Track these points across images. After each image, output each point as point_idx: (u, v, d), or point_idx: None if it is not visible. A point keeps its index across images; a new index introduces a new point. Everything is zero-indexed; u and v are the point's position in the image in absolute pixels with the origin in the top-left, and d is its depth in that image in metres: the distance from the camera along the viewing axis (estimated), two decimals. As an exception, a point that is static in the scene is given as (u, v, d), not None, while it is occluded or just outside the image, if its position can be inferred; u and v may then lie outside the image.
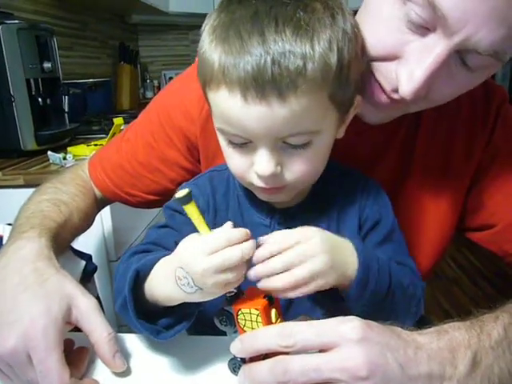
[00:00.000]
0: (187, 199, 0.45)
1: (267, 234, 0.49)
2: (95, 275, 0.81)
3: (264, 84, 0.45)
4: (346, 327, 0.43)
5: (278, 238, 0.48)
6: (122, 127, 1.39)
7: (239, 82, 0.45)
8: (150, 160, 0.79)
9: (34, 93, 1.38)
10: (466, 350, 0.45)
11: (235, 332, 0.48)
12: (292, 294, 0.47)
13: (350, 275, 0.50)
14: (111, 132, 1.36)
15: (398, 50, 0.52)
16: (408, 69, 0.51)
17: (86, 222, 0.80)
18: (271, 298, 0.47)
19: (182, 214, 0.51)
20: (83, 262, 0.76)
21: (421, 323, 0.50)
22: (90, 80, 2.20)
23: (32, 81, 1.37)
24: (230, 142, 0.52)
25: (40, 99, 1.39)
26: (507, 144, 0.69)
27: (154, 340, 0.52)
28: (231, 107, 0.48)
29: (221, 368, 0.52)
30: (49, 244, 0.62)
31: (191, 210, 0.45)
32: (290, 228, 0.50)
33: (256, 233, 0.48)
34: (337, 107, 0.51)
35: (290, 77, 0.45)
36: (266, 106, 0.46)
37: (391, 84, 0.54)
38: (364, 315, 0.46)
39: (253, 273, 0.47)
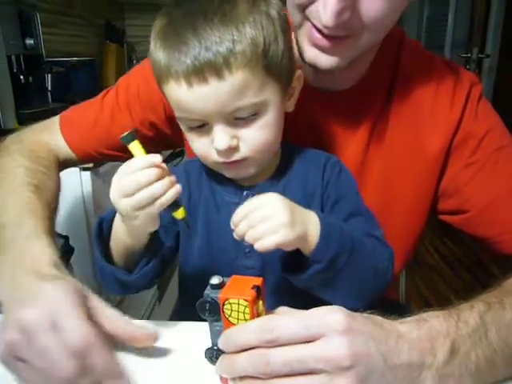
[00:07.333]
0: (131, 137, 0.51)
1: None
2: (76, 258, 0.80)
3: (202, 68, 0.52)
4: (331, 319, 0.44)
5: (243, 207, 0.53)
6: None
7: (182, 71, 0.52)
8: (128, 121, 0.81)
9: (15, 70, 1.35)
10: (445, 339, 0.46)
11: (217, 321, 0.47)
12: (258, 245, 0.51)
13: (311, 235, 0.54)
14: (95, 112, 1.33)
15: None
16: (323, 1, 0.56)
17: (57, 199, 0.77)
18: (259, 289, 0.46)
19: None
20: (61, 241, 0.75)
21: (401, 312, 0.50)
22: (75, 58, 2.15)
23: (13, 57, 1.34)
24: (190, 128, 0.59)
25: (22, 77, 1.36)
26: (478, 127, 0.71)
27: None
28: (180, 94, 0.54)
29: (198, 357, 0.51)
30: (51, 243, 0.60)
31: (135, 147, 0.52)
32: None
33: (228, 211, 0.56)
34: (276, 78, 0.57)
35: (223, 58, 0.51)
36: (208, 86, 0.53)
37: (319, 21, 0.58)
38: (332, 281, 0.54)
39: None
